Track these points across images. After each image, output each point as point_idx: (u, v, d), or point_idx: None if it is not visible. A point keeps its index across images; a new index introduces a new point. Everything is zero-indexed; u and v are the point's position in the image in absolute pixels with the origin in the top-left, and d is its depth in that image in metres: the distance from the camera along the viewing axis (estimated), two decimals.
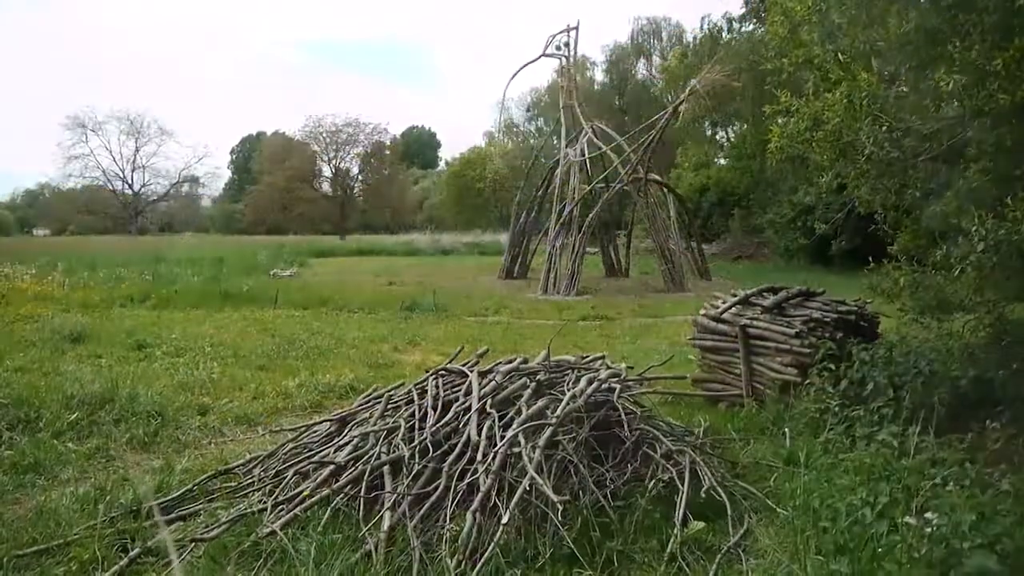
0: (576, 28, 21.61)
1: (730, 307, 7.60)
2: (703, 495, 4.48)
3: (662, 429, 5.88)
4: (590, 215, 19.99)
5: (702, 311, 7.96)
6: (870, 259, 6.71)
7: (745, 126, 33.95)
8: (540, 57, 21.98)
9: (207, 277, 19.00)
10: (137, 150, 63.13)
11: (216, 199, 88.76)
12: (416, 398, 5.04)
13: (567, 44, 21.74)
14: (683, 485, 4.52)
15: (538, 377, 5.23)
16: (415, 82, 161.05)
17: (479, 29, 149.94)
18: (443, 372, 5.37)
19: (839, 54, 5.34)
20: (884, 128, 4.51)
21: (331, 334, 11.58)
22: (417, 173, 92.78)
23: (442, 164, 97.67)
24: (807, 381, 6.57)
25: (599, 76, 50.50)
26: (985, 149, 4.76)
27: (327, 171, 68.44)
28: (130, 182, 63.68)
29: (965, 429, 5.82)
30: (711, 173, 36.55)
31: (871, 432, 5.31)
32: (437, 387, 5.16)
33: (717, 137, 41.38)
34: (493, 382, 4.97)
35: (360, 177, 70.00)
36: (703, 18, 50.68)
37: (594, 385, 4.91)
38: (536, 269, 22.79)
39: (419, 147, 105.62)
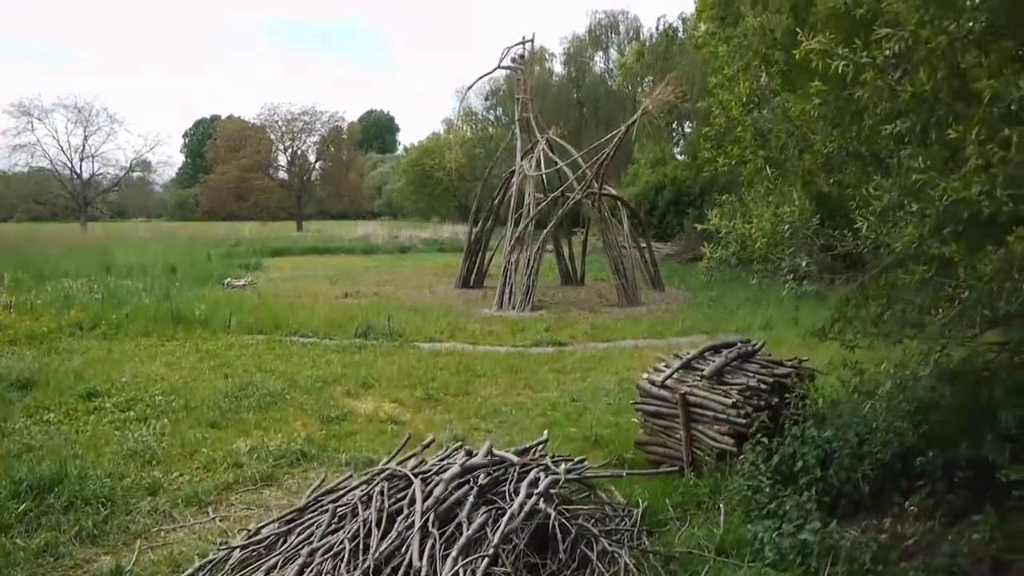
0: (532, 40, 21.74)
1: (671, 374, 7.86)
2: None
3: (601, 514, 6.16)
4: (544, 232, 20.24)
5: (645, 375, 8.21)
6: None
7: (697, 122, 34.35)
8: (496, 69, 22.07)
9: (159, 294, 18.78)
10: (86, 139, 61.29)
11: (167, 185, 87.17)
12: (361, 509, 5.21)
13: (523, 56, 21.83)
14: None
15: (480, 481, 5.43)
16: (373, 64, 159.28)
17: (438, 11, 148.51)
18: (389, 477, 5.53)
19: (768, 166, 5.58)
20: (805, 263, 4.76)
21: (284, 372, 11.64)
22: (375, 158, 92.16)
23: (400, 149, 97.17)
24: (741, 455, 6.87)
25: (557, 68, 50.55)
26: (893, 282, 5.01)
27: (283, 159, 67.60)
28: (79, 172, 61.88)
29: (888, 504, 6.20)
30: (667, 171, 36.91)
31: (796, 529, 5.61)
32: (383, 493, 5.33)
33: (673, 134, 41.76)
34: (434, 495, 5.13)
35: (317, 165, 69.25)
36: (659, 18, 51.04)
37: (532, 500, 5.13)
38: (493, 275, 22.95)
39: (377, 131, 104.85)
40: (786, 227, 4.75)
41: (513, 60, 21.85)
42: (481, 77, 24.46)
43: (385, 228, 49.21)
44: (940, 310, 4.53)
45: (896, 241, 3.88)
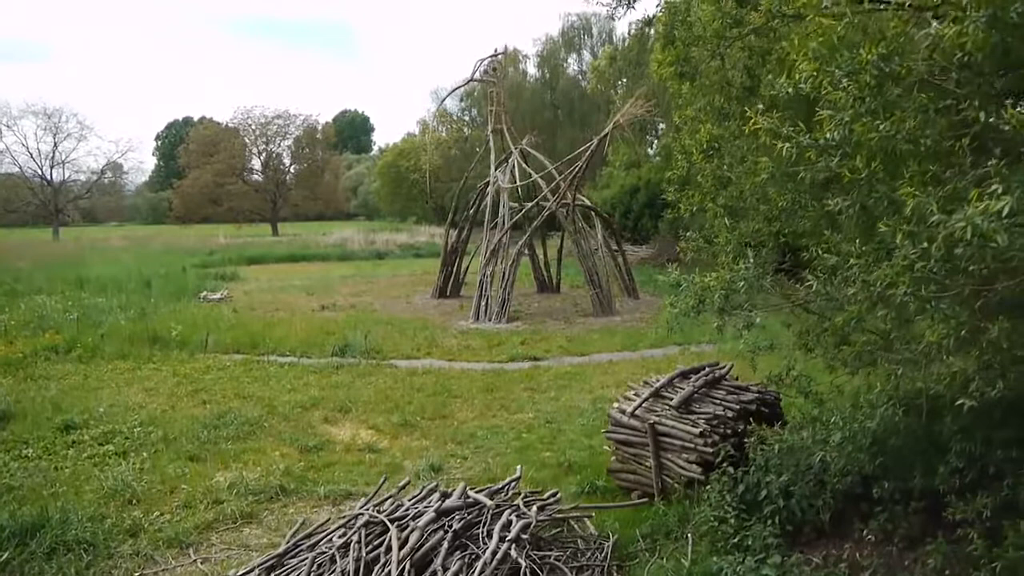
0: (504, 53, 21.90)
1: (641, 403, 8.09)
2: None
3: (573, 548, 6.37)
4: (519, 244, 20.47)
5: (616, 404, 8.42)
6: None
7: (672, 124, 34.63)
8: (469, 82, 22.21)
9: (135, 313, 18.74)
10: (56, 146, 60.56)
11: (139, 188, 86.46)
12: (339, 558, 5.38)
13: (495, 69, 22.00)
14: None
15: (454, 526, 5.62)
16: (347, 62, 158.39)
17: (412, 10, 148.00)
18: (366, 523, 5.70)
19: (727, 217, 5.81)
20: (758, 318, 5.00)
21: (262, 398, 11.74)
22: (350, 158, 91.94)
23: (376, 149, 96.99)
24: (707, 485, 7.11)
25: (531, 70, 50.77)
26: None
27: (257, 163, 67.21)
28: (49, 179, 61.14)
29: (849, 529, 6.47)
30: (641, 173, 37.23)
31: (758, 564, 5.85)
32: (360, 541, 5.50)
33: (647, 137, 42.08)
34: (410, 543, 5.31)
35: (292, 168, 68.92)
36: (631, 23, 51.39)
37: (504, 547, 5.33)
38: (470, 283, 23.08)
39: (352, 131, 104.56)
40: (741, 283, 4.98)
41: (485, 72, 22.03)
42: (454, 89, 24.74)
43: (361, 232, 49.09)
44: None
45: (841, 307, 4.11)
